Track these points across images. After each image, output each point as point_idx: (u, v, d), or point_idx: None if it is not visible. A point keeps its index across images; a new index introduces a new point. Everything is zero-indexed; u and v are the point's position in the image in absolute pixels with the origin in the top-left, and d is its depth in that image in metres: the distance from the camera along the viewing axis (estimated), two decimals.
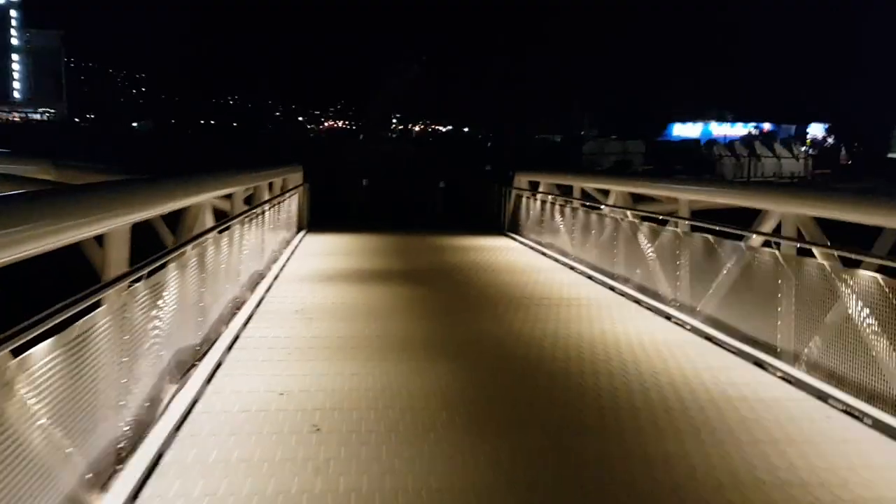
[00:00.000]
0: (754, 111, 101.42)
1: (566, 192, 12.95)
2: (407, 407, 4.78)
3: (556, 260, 11.81)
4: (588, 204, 11.18)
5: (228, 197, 8.61)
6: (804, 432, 4.51)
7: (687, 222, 7.92)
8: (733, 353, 6.32)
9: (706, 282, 7.18)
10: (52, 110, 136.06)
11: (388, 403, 4.84)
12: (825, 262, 5.50)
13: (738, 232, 6.86)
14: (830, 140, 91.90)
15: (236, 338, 6.55)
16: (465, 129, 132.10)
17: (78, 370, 3.24)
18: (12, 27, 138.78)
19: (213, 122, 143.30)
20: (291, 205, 14.03)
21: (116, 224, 3.63)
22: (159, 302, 4.55)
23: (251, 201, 10.01)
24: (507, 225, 15.74)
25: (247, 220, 8.53)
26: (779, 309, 5.90)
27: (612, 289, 9.35)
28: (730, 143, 68.48)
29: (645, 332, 7.09)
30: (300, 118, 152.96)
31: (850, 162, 69.74)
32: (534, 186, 14.54)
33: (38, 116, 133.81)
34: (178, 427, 4.34)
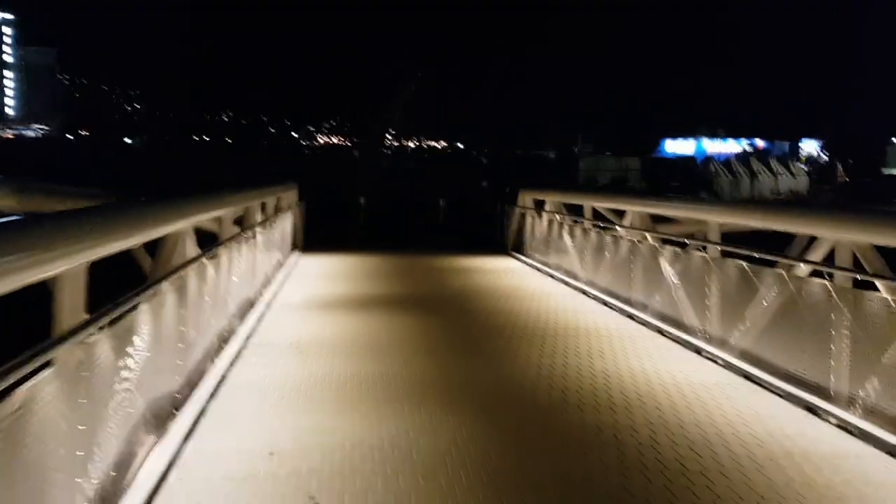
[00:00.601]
0: (746, 127, 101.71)
1: (573, 210, 12.35)
2: (420, 471, 4.09)
3: (567, 283, 11.15)
4: (602, 225, 10.54)
5: (218, 218, 7.94)
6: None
7: (718, 247, 7.28)
8: (778, 395, 5.65)
9: (741, 313, 6.53)
10: (47, 127, 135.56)
11: (397, 467, 4.14)
12: (890, 297, 4.85)
13: (779, 259, 6.23)
14: (824, 156, 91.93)
15: (222, 379, 5.85)
16: (460, 146, 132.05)
17: (17, 451, 2.56)
18: (6, 44, 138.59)
19: (206, 137, 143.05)
20: (286, 225, 13.37)
21: (63, 267, 2.95)
22: (129, 349, 3.87)
23: (242, 222, 9.39)
24: (511, 245, 15.10)
25: (236, 244, 7.85)
26: (832, 347, 5.25)
27: (630, 317, 8.69)
28: (726, 161, 68.16)
29: (677, 370, 6.42)
30: (294, 134, 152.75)
31: (847, 179, 69.50)
32: (539, 205, 13.93)
33: (31, 133, 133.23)
34: (148, 502, 3.63)
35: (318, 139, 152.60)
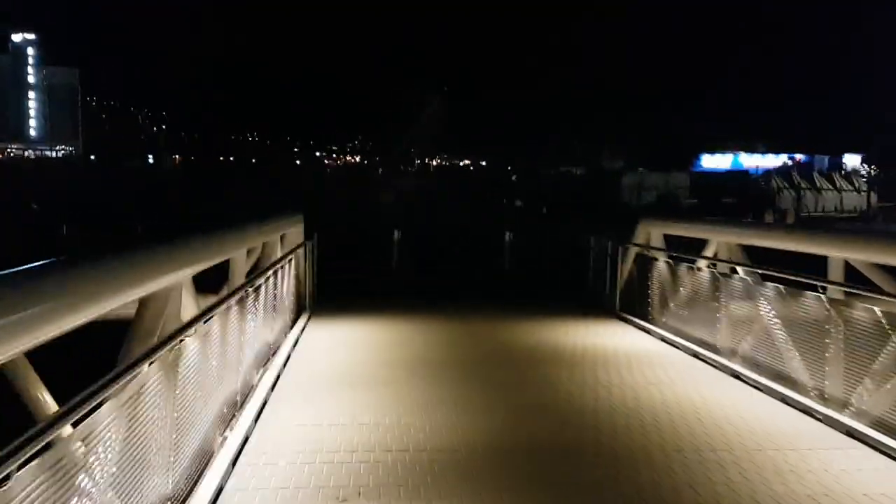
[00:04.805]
0: (783, 141, 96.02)
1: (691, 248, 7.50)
2: None
3: (757, 387, 6.30)
4: (855, 290, 5.59)
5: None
6: None
7: None
8: None
9: None
10: (70, 148, 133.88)
11: None
12: None
13: None
14: (865, 171, 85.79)
15: None
16: (483, 163, 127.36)
17: None
18: (29, 65, 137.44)
19: (231, 158, 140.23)
20: (287, 277, 8.64)
21: None
22: None
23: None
24: (620, 302, 10.19)
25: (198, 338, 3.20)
26: None
27: None
28: (787, 175, 62.43)
29: None
30: (318, 153, 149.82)
31: None
32: (657, 241, 9.12)
33: (52, 154, 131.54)
34: None
35: (341, 158, 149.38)
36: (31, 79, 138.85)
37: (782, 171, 72.64)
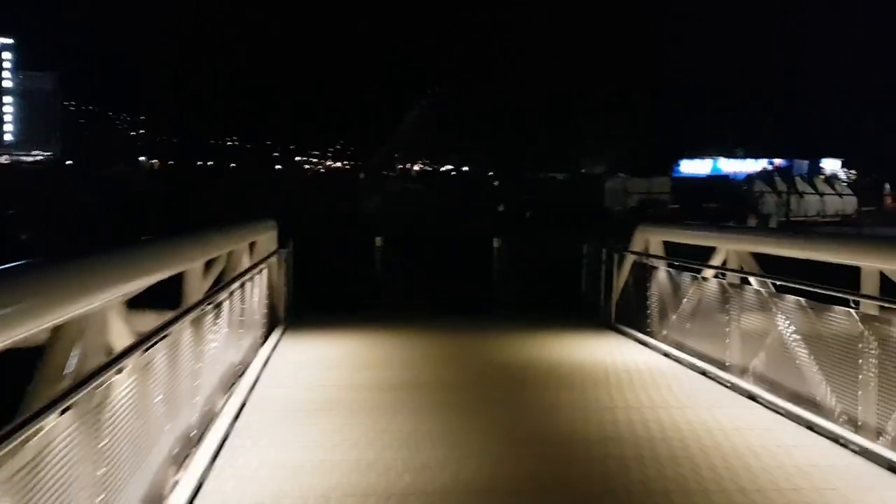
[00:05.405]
0: (761, 146, 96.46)
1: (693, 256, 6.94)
2: None
3: (776, 410, 5.69)
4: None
5: None
6: None
7: None
8: None
9: None
10: (48, 153, 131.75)
11: None
12: None
13: None
14: (845, 176, 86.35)
15: None
16: (465, 169, 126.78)
17: None
18: (5, 69, 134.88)
19: (210, 163, 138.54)
20: (258, 288, 7.90)
21: None
22: None
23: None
24: (615, 313, 9.55)
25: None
26: None
27: None
28: (769, 179, 62.37)
29: None
30: (299, 157, 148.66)
31: (895, 201, 63.44)
32: (656, 248, 8.51)
33: (28, 159, 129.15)
34: None
35: (323, 163, 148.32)
36: (6, 84, 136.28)
37: (763, 175, 72.72)
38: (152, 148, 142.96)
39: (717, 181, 69.93)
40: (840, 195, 61.45)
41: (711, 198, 58.09)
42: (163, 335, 3.91)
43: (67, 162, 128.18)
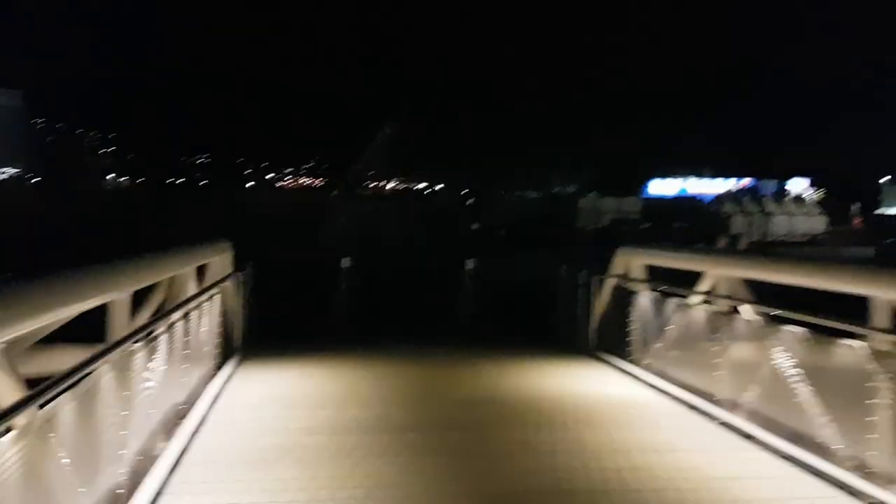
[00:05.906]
0: (729, 166, 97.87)
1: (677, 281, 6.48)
2: None
3: (780, 453, 5.16)
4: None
5: None
6: None
7: None
8: None
9: None
10: (15, 169, 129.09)
11: None
12: None
13: None
14: (811, 195, 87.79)
15: None
16: (439, 187, 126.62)
17: None
18: None
19: (179, 180, 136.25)
20: (208, 316, 7.21)
21: None
22: None
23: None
24: (595, 341, 9.02)
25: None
26: None
27: None
28: (737, 199, 62.91)
29: None
30: (269, 175, 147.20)
31: (862, 221, 64.39)
32: (637, 272, 8.01)
33: None
34: None
35: (296, 180, 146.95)
36: None
37: (730, 196, 73.50)
38: (121, 165, 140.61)
39: (687, 201, 70.47)
40: (808, 215, 62.15)
41: (681, 218, 58.46)
42: (69, 383, 3.25)
43: (34, 179, 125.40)
